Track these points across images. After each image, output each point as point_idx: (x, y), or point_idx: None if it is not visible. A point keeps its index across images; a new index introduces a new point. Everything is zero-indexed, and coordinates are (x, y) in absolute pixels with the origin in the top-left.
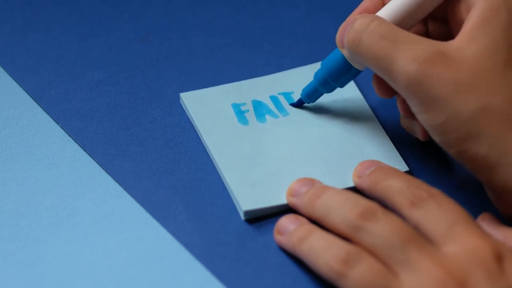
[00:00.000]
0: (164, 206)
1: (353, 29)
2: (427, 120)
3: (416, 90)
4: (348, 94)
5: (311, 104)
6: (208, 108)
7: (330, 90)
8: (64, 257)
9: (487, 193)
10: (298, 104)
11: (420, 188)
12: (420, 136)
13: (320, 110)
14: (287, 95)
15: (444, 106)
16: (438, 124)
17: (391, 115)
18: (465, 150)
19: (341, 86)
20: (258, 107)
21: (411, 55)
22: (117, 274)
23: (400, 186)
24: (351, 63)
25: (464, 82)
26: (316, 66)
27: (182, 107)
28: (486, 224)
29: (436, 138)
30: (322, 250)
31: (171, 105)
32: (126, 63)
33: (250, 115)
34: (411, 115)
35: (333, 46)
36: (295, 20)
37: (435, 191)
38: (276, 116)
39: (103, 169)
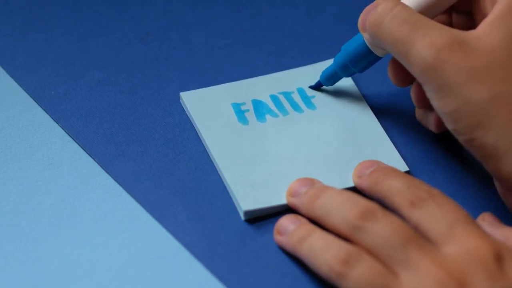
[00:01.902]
0: (164, 206)
1: (376, 12)
2: (440, 107)
3: (432, 76)
4: (348, 93)
5: (311, 104)
6: (208, 107)
7: (349, 74)
8: (64, 257)
9: (495, 184)
10: (317, 86)
11: (420, 188)
12: (434, 127)
13: (320, 110)
14: (287, 94)
15: (457, 93)
16: (450, 110)
17: (391, 115)
18: (474, 138)
19: (360, 71)
20: (258, 106)
21: (429, 41)
22: (117, 274)
23: (400, 186)
24: (371, 48)
25: (479, 70)
26: (316, 66)
27: (182, 107)
28: (486, 224)
29: (448, 125)
30: (322, 250)
31: (171, 105)
32: (126, 63)
33: (250, 115)
34: (424, 106)
35: (333, 46)
36: (295, 20)
37: (435, 191)
38: (276, 116)
39: (103, 169)
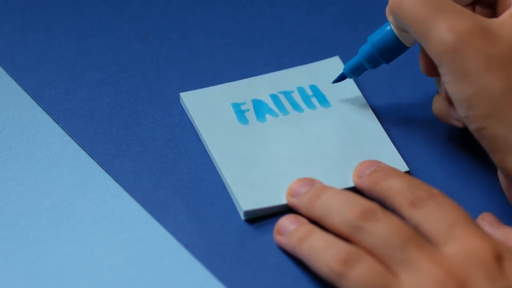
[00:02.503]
0: (164, 206)
1: None
2: (455, 92)
3: (450, 59)
4: (348, 94)
5: (311, 104)
6: (208, 107)
7: (376, 65)
8: (64, 257)
9: (499, 177)
10: (340, 80)
11: (420, 188)
12: (460, 124)
13: (321, 110)
14: (287, 94)
15: (473, 79)
16: (464, 97)
17: (391, 115)
18: (485, 127)
19: (387, 62)
20: (258, 106)
21: (450, 24)
22: (117, 274)
23: (400, 186)
24: (398, 36)
25: (498, 59)
26: (317, 64)
27: (182, 107)
28: (486, 224)
29: (461, 112)
30: (322, 250)
31: (171, 105)
32: (126, 63)
33: (250, 115)
34: (433, 74)
35: (333, 46)
36: (295, 20)
37: (435, 191)
38: (276, 115)
39: (103, 169)
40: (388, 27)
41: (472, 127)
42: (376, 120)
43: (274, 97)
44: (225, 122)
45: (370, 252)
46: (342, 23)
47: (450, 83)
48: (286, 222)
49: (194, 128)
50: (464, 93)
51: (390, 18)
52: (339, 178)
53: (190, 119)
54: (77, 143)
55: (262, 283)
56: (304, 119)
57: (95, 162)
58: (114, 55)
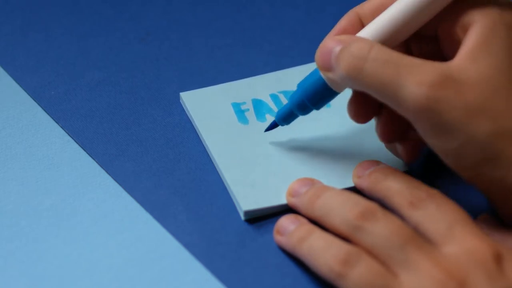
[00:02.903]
0: (164, 206)
1: (352, 55)
2: (439, 145)
3: (427, 116)
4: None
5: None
6: (208, 107)
7: (307, 113)
8: (64, 257)
9: (500, 216)
10: (272, 128)
11: (419, 188)
12: (405, 159)
13: (320, 110)
14: (287, 93)
15: (458, 131)
16: (452, 149)
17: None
18: (480, 174)
19: (318, 109)
20: (258, 106)
21: (418, 80)
22: (117, 274)
23: (399, 186)
24: (330, 85)
25: (475, 105)
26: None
27: (182, 107)
28: (485, 224)
29: (449, 163)
30: (322, 250)
31: (171, 105)
32: (126, 63)
33: (250, 114)
34: (391, 141)
35: None
36: (295, 20)
37: (434, 192)
38: None
39: (103, 169)
40: (318, 76)
41: (465, 175)
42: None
43: (274, 97)
44: (225, 122)
45: (370, 252)
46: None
47: (431, 138)
48: (286, 222)
49: (194, 128)
50: (450, 145)
51: (328, 75)
52: (339, 178)
53: (190, 119)
54: (77, 143)
55: (262, 283)
56: (304, 119)
57: (95, 162)
58: (114, 55)
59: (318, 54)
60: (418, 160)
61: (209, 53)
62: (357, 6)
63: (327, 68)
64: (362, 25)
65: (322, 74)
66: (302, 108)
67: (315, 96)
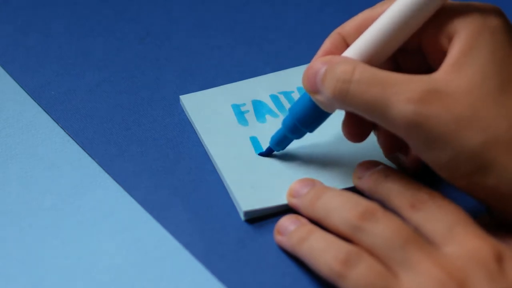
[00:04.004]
0: (164, 206)
1: (336, 79)
2: (432, 159)
3: (417, 132)
4: None
5: None
6: (208, 110)
7: (301, 136)
8: (64, 257)
9: (496, 218)
10: (268, 153)
11: (420, 190)
12: (410, 170)
13: None
14: (287, 94)
15: (448, 144)
16: (444, 162)
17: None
18: (474, 183)
19: (311, 131)
20: (258, 106)
21: (404, 97)
22: (117, 274)
23: (400, 188)
24: (323, 108)
25: (463, 116)
26: None
27: (182, 107)
28: (486, 225)
29: (443, 174)
30: (322, 250)
31: (171, 105)
32: (126, 63)
33: (250, 116)
34: (393, 153)
35: None
36: (295, 20)
37: (435, 193)
38: (276, 116)
39: (103, 169)
40: (309, 99)
41: (459, 184)
42: None
43: (274, 98)
44: (225, 124)
45: (371, 252)
46: (342, 23)
47: (424, 152)
48: (286, 222)
49: (194, 128)
50: (442, 159)
51: (317, 97)
52: (339, 179)
53: (190, 121)
54: (77, 143)
55: (262, 283)
56: None
57: (95, 162)
58: (114, 55)
59: (305, 77)
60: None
61: (209, 53)
62: (338, 27)
63: (315, 91)
64: (346, 45)
65: (311, 96)
66: (295, 131)
67: (307, 119)
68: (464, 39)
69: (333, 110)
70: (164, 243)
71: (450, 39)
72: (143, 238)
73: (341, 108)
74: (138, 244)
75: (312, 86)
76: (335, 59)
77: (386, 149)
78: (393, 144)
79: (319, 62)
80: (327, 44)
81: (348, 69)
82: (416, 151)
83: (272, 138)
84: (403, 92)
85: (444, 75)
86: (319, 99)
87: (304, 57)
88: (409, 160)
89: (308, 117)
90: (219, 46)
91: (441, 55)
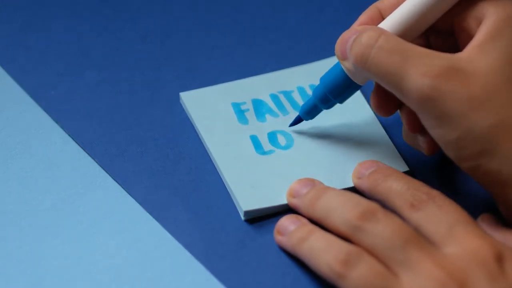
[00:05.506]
0: (164, 206)
1: (360, 43)
2: (440, 136)
3: (430, 106)
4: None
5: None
6: (208, 107)
7: (330, 106)
8: (64, 257)
9: (498, 208)
10: (296, 123)
11: (420, 190)
12: (426, 151)
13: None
14: (287, 93)
15: (458, 122)
16: (452, 139)
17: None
18: (478, 165)
19: (341, 102)
20: (258, 106)
21: (423, 70)
22: (117, 274)
23: (400, 188)
24: (352, 78)
25: (478, 97)
26: (316, 64)
27: (182, 107)
28: (486, 225)
29: (449, 153)
30: (322, 250)
31: (171, 105)
32: (126, 63)
33: (250, 114)
34: (416, 131)
35: (333, 46)
36: (295, 20)
37: (435, 193)
38: (276, 115)
39: (103, 169)
40: (340, 69)
41: (464, 165)
42: (376, 120)
43: (274, 97)
44: (225, 122)
45: (371, 252)
46: (342, 23)
47: (434, 128)
48: (286, 222)
49: (194, 128)
50: (451, 136)
51: (345, 64)
52: (339, 179)
53: (190, 119)
54: (77, 143)
55: (262, 283)
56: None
57: (95, 162)
58: (114, 55)
59: (337, 44)
60: (417, 160)
61: (209, 53)
62: (378, 1)
63: (344, 57)
64: (382, 18)
65: (340, 64)
66: (325, 101)
67: (336, 89)
68: (491, 24)
69: (363, 82)
70: (164, 243)
71: (479, 22)
72: (143, 238)
73: (360, 73)
74: (138, 244)
75: (342, 52)
76: (366, 28)
77: (410, 127)
78: (415, 124)
79: (351, 31)
80: (364, 16)
81: (373, 35)
82: (426, 126)
83: (302, 107)
84: (422, 65)
85: (467, 55)
86: (346, 65)
87: (304, 57)
88: (427, 141)
89: (338, 86)
90: (219, 46)
91: (469, 37)
